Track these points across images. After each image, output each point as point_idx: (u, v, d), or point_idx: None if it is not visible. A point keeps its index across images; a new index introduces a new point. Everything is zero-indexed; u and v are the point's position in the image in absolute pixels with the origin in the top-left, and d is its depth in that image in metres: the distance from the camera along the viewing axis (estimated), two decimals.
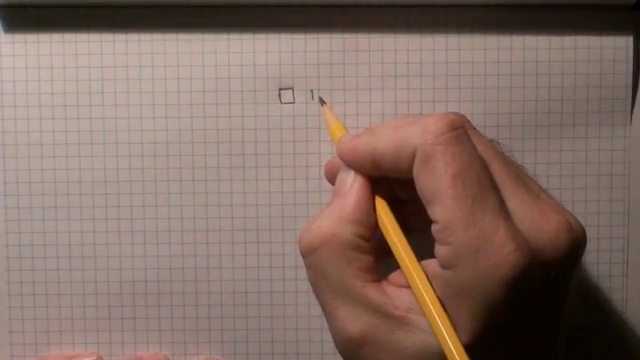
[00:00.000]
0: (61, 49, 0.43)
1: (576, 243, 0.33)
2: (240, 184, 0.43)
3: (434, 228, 0.32)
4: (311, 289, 0.36)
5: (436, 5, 0.43)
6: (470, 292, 0.31)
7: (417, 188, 0.33)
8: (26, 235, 0.43)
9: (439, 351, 0.31)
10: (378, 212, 0.35)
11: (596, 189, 0.43)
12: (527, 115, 0.43)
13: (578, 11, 0.43)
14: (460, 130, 0.33)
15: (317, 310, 0.38)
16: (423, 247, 0.34)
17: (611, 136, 0.43)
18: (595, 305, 0.44)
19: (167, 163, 0.43)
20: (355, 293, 0.34)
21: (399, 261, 0.34)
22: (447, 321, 0.31)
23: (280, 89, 0.43)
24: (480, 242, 0.31)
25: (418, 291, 0.33)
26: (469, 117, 0.37)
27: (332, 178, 0.38)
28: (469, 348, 0.31)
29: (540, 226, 0.33)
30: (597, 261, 0.44)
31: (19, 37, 0.43)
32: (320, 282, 0.35)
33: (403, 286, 0.34)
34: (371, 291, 0.34)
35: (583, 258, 0.41)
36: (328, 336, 0.36)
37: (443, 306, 0.32)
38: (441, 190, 0.32)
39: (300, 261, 0.36)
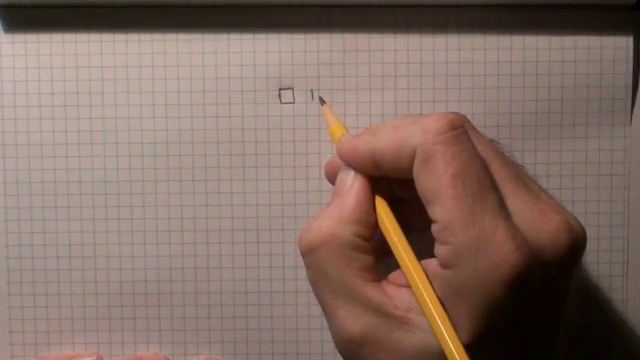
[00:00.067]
0: (61, 49, 0.43)
1: (576, 243, 0.33)
2: (240, 184, 0.43)
3: (434, 228, 0.32)
4: (311, 289, 0.36)
5: (436, 5, 0.43)
6: (470, 292, 0.31)
7: (417, 188, 0.33)
8: (26, 235, 0.43)
9: (439, 351, 0.31)
10: (378, 212, 0.35)
11: (596, 189, 0.43)
12: (527, 115, 0.43)
13: (578, 11, 0.43)
14: (460, 130, 0.33)
15: (317, 310, 0.38)
16: (423, 247, 0.34)
17: (611, 136, 0.43)
18: (595, 305, 0.44)
19: (167, 163, 0.43)
20: (355, 293, 0.34)
21: (399, 261, 0.34)
22: (447, 321, 0.31)
23: (280, 89, 0.43)
24: (480, 242, 0.31)
25: (418, 291, 0.33)
26: (469, 117, 0.37)
27: (332, 178, 0.38)
28: (469, 348, 0.31)
29: (540, 226, 0.33)
30: (597, 261, 0.44)
31: (19, 37, 0.43)
32: (320, 282, 0.35)
33: (403, 286, 0.34)
34: (371, 291, 0.34)
35: (583, 258, 0.41)
36: (328, 336, 0.36)
37: (443, 306, 0.32)
38: (441, 190, 0.32)
39: (300, 261, 0.36)
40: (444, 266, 0.32)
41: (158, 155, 0.43)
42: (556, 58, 0.43)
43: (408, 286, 0.33)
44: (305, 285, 0.43)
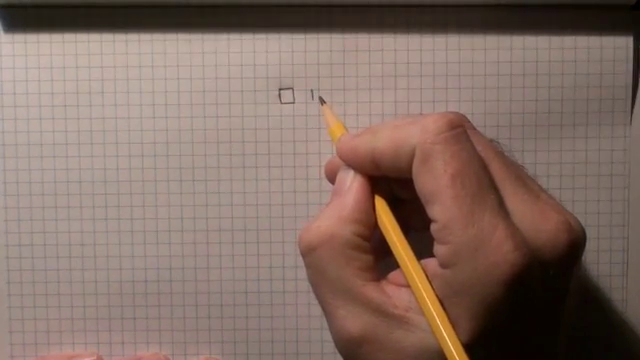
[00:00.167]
0: (61, 49, 0.43)
1: (575, 243, 0.33)
2: (240, 184, 0.43)
3: (433, 227, 0.32)
4: (311, 289, 0.36)
5: (436, 5, 0.43)
6: (469, 291, 0.31)
7: (416, 187, 0.33)
8: (26, 235, 0.43)
9: (438, 350, 0.31)
10: (377, 211, 0.35)
11: (596, 189, 0.43)
12: (527, 115, 0.43)
13: (578, 11, 0.43)
14: (459, 129, 0.33)
15: (317, 310, 0.38)
16: (422, 246, 0.34)
17: (611, 136, 0.43)
18: (595, 305, 0.44)
19: (167, 163, 0.43)
20: (355, 292, 0.34)
21: (398, 260, 0.34)
22: (446, 320, 0.31)
23: (280, 89, 0.43)
24: (479, 241, 0.31)
25: (417, 290, 0.33)
26: (469, 117, 0.37)
27: (332, 178, 0.38)
28: (468, 347, 0.31)
29: (539, 225, 0.33)
30: (597, 261, 0.44)
31: (19, 37, 0.43)
32: (320, 282, 0.35)
33: (402, 285, 0.34)
34: (370, 290, 0.34)
35: (583, 258, 0.42)
36: (328, 336, 0.36)
37: (442, 305, 0.32)
38: (440, 189, 0.32)
39: (300, 261, 0.36)
40: (443, 265, 0.32)
41: (158, 155, 0.43)
42: (556, 58, 0.43)
43: (407, 286, 0.33)
44: (305, 285, 0.43)
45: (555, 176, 0.43)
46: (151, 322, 0.44)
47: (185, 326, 0.44)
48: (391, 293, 0.34)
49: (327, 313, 0.35)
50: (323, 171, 0.42)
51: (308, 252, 0.35)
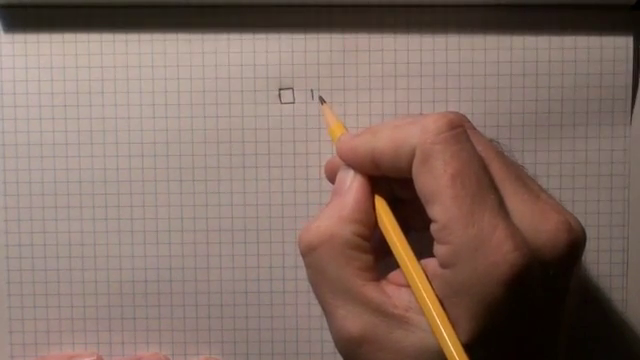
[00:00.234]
0: (61, 49, 0.43)
1: (575, 243, 0.33)
2: (240, 184, 0.43)
3: (433, 227, 0.32)
4: (311, 289, 0.36)
5: (436, 5, 0.43)
6: (469, 291, 0.31)
7: (416, 187, 0.33)
8: (26, 235, 0.43)
9: (438, 350, 0.31)
10: (377, 211, 0.35)
11: (596, 189, 0.43)
12: (527, 115, 0.43)
13: (578, 11, 0.43)
14: (459, 129, 0.33)
15: (317, 310, 0.38)
16: (422, 246, 0.34)
17: (611, 136, 0.43)
18: (595, 305, 0.44)
19: (167, 163, 0.43)
20: (354, 292, 0.34)
21: (398, 260, 0.34)
22: (446, 320, 0.31)
23: (280, 89, 0.43)
24: (479, 241, 0.31)
25: (417, 290, 0.33)
26: (469, 117, 0.37)
27: (332, 177, 0.38)
28: (468, 347, 0.31)
29: (539, 225, 0.33)
30: (597, 261, 0.44)
31: (19, 37, 0.43)
32: (319, 281, 0.35)
33: (402, 285, 0.34)
34: (370, 290, 0.34)
35: (583, 258, 0.42)
36: (328, 336, 0.36)
37: (442, 305, 0.32)
38: (440, 189, 0.32)
39: (300, 261, 0.36)
40: (443, 265, 0.32)
41: (158, 155, 0.43)
42: (556, 58, 0.43)
43: (407, 285, 0.33)
44: (305, 285, 0.43)
45: (555, 176, 0.43)
46: (151, 322, 0.44)
47: (185, 326, 0.44)
48: (391, 293, 0.34)
49: (327, 313, 0.35)
50: (323, 171, 0.42)
51: (308, 252, 0.35)
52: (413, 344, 0.33)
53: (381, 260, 0.35)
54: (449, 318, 0.32)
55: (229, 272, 0.44)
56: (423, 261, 0.33)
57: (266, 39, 0.43)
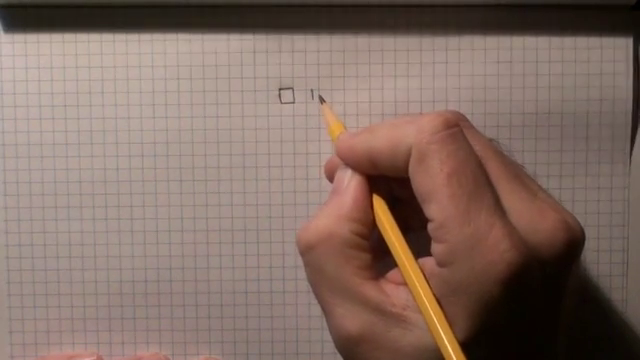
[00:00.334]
0: (61, 49, 0.43)
1: (573, 241, 0.33)
2: (240, 184, 0.43)
3: (430, 226, 0.32)
4: (311, 289, 0.36)
5: (436, 5, 0.43)
6: (466, 290, 0.31)
7: (413, 187, 0.33)
8: (26, 235, 0.43)
9: (436, 349, 0.31)
10: (375, 210, 0.36)
11: (596, 189, 0.43)
12: (527, 115, 0.43)
13: (578, 11, 0.43)
14: (455, 129, 0.33)
15: (317, 310, 0.38)
16: (421, 246, 0.34)
17: (611, 136, 0.43)
18: (595, 305, 0.44)
19: (167, 163, 0.43)
20: (353, 291, 0.34)
21: (396, 258, 0.34)
22: (443, 318, 0.31)
23: (280, 89, 0.43)
24: (476, 240, 0.31)
25: (414, 288, 0.33)
26: (469, 117, 0.37)
27: (332, 177, 0.38)
28: (466, 346, 0.31)
29: (537, 224, 0.33)
30: (597, 261, 0.44)
31: (19, 37, 0.43)
32: (318, 280, 0.35)
33: (401, 284, 0.34)
34: (369, 289, 0.34)
35: (583, 258, 0.42)
36: (328, 336, 0.36)
37: (439, 304, 0.32)
38: (436, 188, 0.32)
39: (300, 261, 0.36)
40: (440, 264, 0.32)
41: (158, 155, 0.43)
42: (556, 58, 0.43)
43: (406, 284, 0.33)
44: (305, 285, 0.43)
45: (555, 176, 0.43)
46: (151, 322, 0.44)
47: (185, 326, 0.44)
48: (389, 292, 0.34)
49: (325, 312, 0.35)
50: (323, 171, 0.42)
51: (307, 251, 0.35)
52: (411, 343, 0.33)
53: (380, 260, 0.35)
54: (446, 317, 0.32)
55: (229, 272, 0.44)
56: (421, 260, 0.33)
57: (266, 39, 0.43)
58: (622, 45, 0.43)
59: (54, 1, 0.42)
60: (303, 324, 0.44)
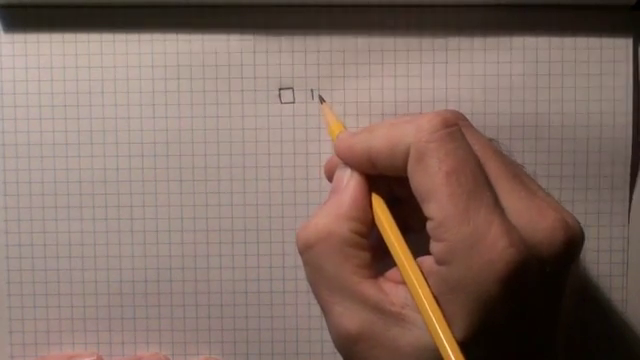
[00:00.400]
0: (61, 49, 0.43)
1: (572, 240, 0.33)
2: (240, 184, 0.43)
3: (429, 225, 0.32)
4: (310, 288, 0.36)
5: (436, 5, 0.43)
6: (465, 288, 0.31)
7: (412, 186, 0.33)
8: (26, 235, 0.43)
9: (435, 348, 0.31)
10: (375, 209, 0.36)
11: (596, 189, 0.43)
12: (527, 115, 0.43)
13: (578, 12, 0.43)
14: (454, 128, 0.33)
15: (317, 310, 0.38)
16: (420, 247, 0.34)
17: (612, 136, 0.43)
18: (595, 305, 0.44)
19: (167, 163, 0.43)
20: (352, 290, 0.34)
21: (394, 256, 0.34)
22: (441, 317, 0.31)
23: (280, 89, 0.43)
24: (474, 238, 0.31)
25: (413, 287, 0.32)
26: (469, 117, 0.37)
27: (332, 177, 0.38)
28: (464, 345, 0.31)
29: (536, 223, 0.33)
30: (597, 261, 0.44)
31: (19, 37, 0.43)
32: (317, 279, 0.35)
33: (400, 283, 0.34)
34: (367, 287, 0.34)
35: (583, 258, 0.42)
36: (328, 336, 0.36)
37: (438, 302, 0.32)
38: (435, 187, 0.32)
39: (300, 261, 0.36)
40: (439, 263, 0.32)
41: (158, 155, 0.43)
42: (556, 58, 0.43)
43: (405, 283, 0.33)
44: (305, 285, 0.43)
45: (555, 176, 0.43)
46: (151, 322, 0.44)
47: (185, 326, 0.44)
48: (388, 290, 0.34)
49: (325, 310, 0.35)
50: (323, 171, 0.42)
51: (305, 250, 0.35)
52: (409, 342, 0.33)
53: (381, 260, 0.35)
54: (445, 315, 0.32)
55: (229, 272, 0.44)
56: (419, 259, 0.33)
57: (266, 39, 0.43)
58: (622, 45, 0.43)
59: (54, 1, 0.42)
60: (303, 324, 0.44)
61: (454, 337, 0.31)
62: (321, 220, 0.35)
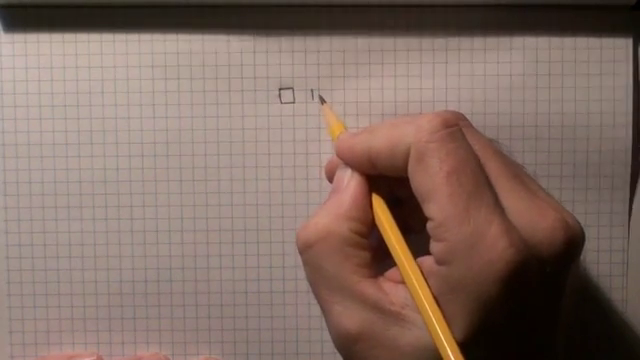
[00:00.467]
0: (61, 49, 0.43)
1: (572, 240, 0.33)
2: (240, 184, 0.43)
3: (429, 225, 0.32)
4: (310, 288, 0.36)
5: (436, 5, 0.43)
6: (465, 288, 0.31)
7: (412, 186, 0.33)
8: (26, 235, 0.43)
9: (434, 348, 0.31)
10: (375, 209, 0.36)
11: (597, 190, 0.43)
12: (527, 115, 0.43)
13: (578, 12, 0.43)
14: (454, 128, 0.33)
15: (317, 310, 0.38)
16: (422, 247, 0.34)
17: (612, 137, 0.43)
18: (595, 305, 0.44)
19: (167, 163, 0.43)
20: (351, 289, 0.34)
21: (394, 256, 0.34)
22: (441, 316, 0.31)
23: (280, 89, 0.43)
24: (474, 238, 0.31)
25: (412, 286, 0.33)
26: (469, 117, 0.37)
27: (332, 177, 0.38)
28: (464, 345, 0.31)
29: (536, 223, 0.33)
30: (597, 261, 0.44)
31: (19, 37, 0.43)
32: (317, 278, 0.35)
33: (400, 282, 0.34)
34: (367, 287, 0.34)
35: (583, 258, 0.42)
36: (328, 336, 0.36)
37: (438, 302, 0.32)
38: (435, 187, 0.32)
39: (300, 261, 0.36)
40: (439, 262, 0.32)
41: (158, 155, 0.43)
42: (556, 58, 0.43)
43: (405, 283, 0.33)
44: (305, 285, 0.43)
45: (556, 177, 0.43)
46: (151, 322, 0.44)
47: (185, 326, 0.44)
48: (388, 290, 0.34)
49: (324, 310, 0.35)
50: (323, 171, 0.42)
51: (305, 249, 0.35)
52: (409, 342, 0.33)
53: (381, 261, 0.35)
54: (444, 315, 0.32)
55: (229, 272, 0.44)
56: (419, 259, 0.33)
57: (266, 39, 0.43)
58: (622, 45, 0.43)
59: (54, 1, 0.42)
60: (303, 324, 0.44)
61: (454, 337, 0.31)
62: (321, 220, 0.35)
